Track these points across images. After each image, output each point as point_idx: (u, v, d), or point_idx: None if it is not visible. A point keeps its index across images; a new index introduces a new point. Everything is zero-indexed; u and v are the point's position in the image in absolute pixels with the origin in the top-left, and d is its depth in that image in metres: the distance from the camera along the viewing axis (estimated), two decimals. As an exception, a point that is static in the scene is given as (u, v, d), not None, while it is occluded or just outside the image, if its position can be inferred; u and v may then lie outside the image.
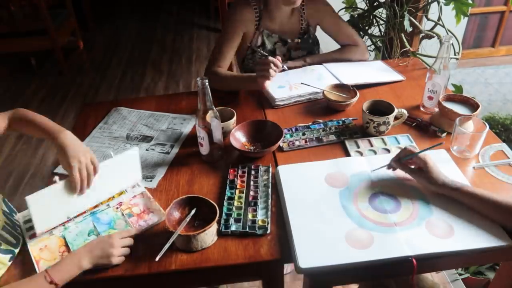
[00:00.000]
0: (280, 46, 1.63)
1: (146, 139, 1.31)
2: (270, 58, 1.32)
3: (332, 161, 1.14)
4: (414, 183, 1.05)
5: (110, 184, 1.06)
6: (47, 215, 0.97)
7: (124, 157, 1.09)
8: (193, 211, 0.97)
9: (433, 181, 0.98)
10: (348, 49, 1.66)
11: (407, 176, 1.06)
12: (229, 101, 1.40)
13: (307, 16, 1.62)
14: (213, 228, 0.94)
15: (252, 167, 1.14)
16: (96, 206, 1.05)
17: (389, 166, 1.07)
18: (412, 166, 1.04)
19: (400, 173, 1.08)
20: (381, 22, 1.86)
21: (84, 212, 1.03)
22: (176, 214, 0.98)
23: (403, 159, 1.03)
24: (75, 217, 1.01)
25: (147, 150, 1.26)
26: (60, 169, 1.18)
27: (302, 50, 1.67)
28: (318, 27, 1.68)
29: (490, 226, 0.92)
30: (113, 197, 1.07)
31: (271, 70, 1.31)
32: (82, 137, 1.33)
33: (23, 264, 0.92)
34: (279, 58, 1.34)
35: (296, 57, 1.66)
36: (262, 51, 1.39)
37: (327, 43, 1.74)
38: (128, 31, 4.54)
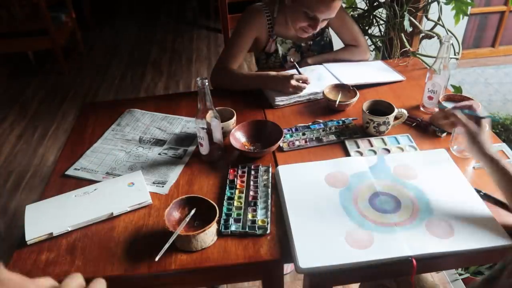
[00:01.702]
0: (293, 51, 1.65)
1: (158, 142, 1.29)
2: (305, 81, 1.43)
3: (332, 161, 1.14)
4: (414, 183, 1.05)
5: (110, 201, 1.05)
6: (39, 225, 0.99)
7: (127, 178, 1.12)
8: (192, 211, 0.97)
9: (480, 143, 0.96)
10: (349, 50, 1.66)
11: (409, 172, 1.06)
12: (229, 101, 1.40)
13: None
14: (213, 228, 0.93)
15: (252, 167, 1.14)
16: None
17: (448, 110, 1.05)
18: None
19: (400, 171, 1.08)
20: (381, 22, 1.86)
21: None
22: (176, 214, 0.98)
23: (467, 112, 1.02)
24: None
25: (159, 154, 1.24)
26: (71, 171, 1.19)
27: (313, 52, 1.67)
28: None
29: (490, 226, 0.92)
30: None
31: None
32: (83, 138, 1.34)
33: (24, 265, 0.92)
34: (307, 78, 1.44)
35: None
36: (297, 66, 1.48)
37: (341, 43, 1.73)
38: (128, 31, 4.54)
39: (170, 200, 1.05)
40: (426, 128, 1.26)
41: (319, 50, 1.68)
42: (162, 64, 3.80)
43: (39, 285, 0.60)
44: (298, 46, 1.64)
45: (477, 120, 1.01)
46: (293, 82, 1.40)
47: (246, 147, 1.23)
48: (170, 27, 4.58)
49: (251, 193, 1.06)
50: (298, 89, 1.42)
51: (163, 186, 1.11)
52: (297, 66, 1.48)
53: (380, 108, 1.25)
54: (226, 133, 1.24)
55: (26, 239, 0.96)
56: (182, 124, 1.38)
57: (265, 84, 1.47)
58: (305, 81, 1.43)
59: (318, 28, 1.47)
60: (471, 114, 1.02)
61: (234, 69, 1.54)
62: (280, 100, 1.41)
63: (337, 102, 1.34)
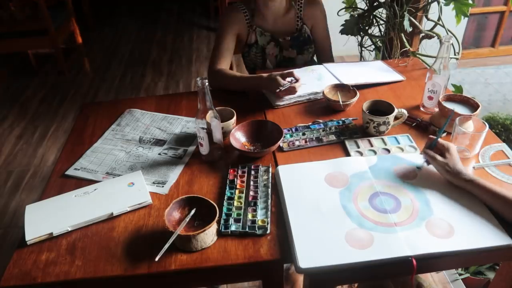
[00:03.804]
0: (272, 45, 1.66)
1: (158, 142, 1.29)
2: (297, 84, 1.37)
3: (332, 161, 1.14)
4: (414, 183, 1.05)
5: (110, 201, 1.05)
6: (39, 225, 0.99)
7: (127, 178, 1.12)
8: (192, 211, 0.97)
9: (448, 169, 1.00)
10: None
11: (409, 172, 1.06)
12: (229, 101, 1.40)
13: (303, 16, 1.63)
14: (212, 228, 0.94)
15: (252, 167, 1.14)
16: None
17: (427, 161, 1.08)
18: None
19: (400, 171, 1.08)
20: (381, 22, 1.86)
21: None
22: (176, 214, 0.98)
23: (432, 145, 1.05)
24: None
25: (159, 154, 1.24)
26: (71, 171, 1.19)
27: (292, 49, 1.68)
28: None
29: (490, 226, 0.92)
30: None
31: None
32: (83, 138, 1.34)
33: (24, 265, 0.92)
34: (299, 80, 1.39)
35: (287, 56, 1.69)
36: (291, 80, 1.40)
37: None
38: (128, 31, 4.54)
39: (170, 200, 1.05)
40: (426, 128, 1.26)
41: (298, 45, 1.68)
42: (162, 64, 3.80)
43: None
44: (276, 41, 1.66)
45: (442, 146, 1.04)
46: (281, 81, 1.36)
47: (246, 147, 1.23)
48: (170, 27, 4.58)
49: (251, 193, 1.06)
50: (288, 93, 1.39)
51: (163, 186, 1.11)
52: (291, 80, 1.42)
53: (380, 108, 1.25)
54: (226, 133, 1.24)
55: (26, 239, 0.96)
56: (182, 124, 1.38)
57: (256, 86, 1.48)
58: (295, 80, 1.38)
59: None
60: (434, 143, 1.05)
61: (227, 70, 1.57)
62: (281, 100, 1.41)
63: (341, 103, 1.34)
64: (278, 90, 1.35)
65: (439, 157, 1.03)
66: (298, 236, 0.92)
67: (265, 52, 1.67)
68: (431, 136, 1.08)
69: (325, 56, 1.74)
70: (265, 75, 1.43)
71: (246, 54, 1.71)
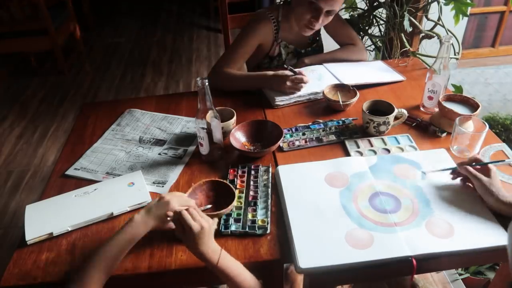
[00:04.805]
0: (291, 56, 1.66)
1: (158, 142, 1.29)
2: (305, 78, 1.40)
3: (332, 161, 1.14)
4: (414, 183, 1.05)
5: (110, 201, 1.05)
6: (39, 225, 0.99)
7: (127, 178, 1.12)
8: (208, 206, 1.00)
9: (492, 191, 0.94)
10: (346, 49, 1.67)
11: (409, 172, 1.06)
12: (229, 101, 1.40)
13: None
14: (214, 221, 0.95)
15: (252, 167, 1.14)
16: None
17: (453, 171, 1.03)
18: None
19: (400, 171, 1.08)
20: (381, 22, 1.86)
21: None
22: (201, 196, 1.03)
23: (472, 165, 0.99)
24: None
25: (159, 154, 1.24)
26: (71, 171, 1.19)
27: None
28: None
29: (490, 226, 0.92)
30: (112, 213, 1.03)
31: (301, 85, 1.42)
32: (83, 138, 1.34)
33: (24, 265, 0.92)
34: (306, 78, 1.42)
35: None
36: (293, 69, 1.44)
37: (330, 44, 1.74)
38: (128, 31, 4.54)
39: (170, 200, 1.05)
40: (426, 128, 1.26)
41: (312, 54, 1.69)
42: (162, 64, 3.80)
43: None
44: (297, 52, 1.66)
45: (485, 168, 0.98)
46: (288, 83, 1.40)
47: (246, 147, 1.23)
48: (170, 27, 4.58)
49: (251, 193, 1.06)
50: (294, 90, 1.42)
51: (163, 186, 1.11)
52: (293, 70, 1.45)
53: (380, 108, 1.25)
54: (226, 133, 1.24)
55: (26, 239, 0.96)
56: (182, 124, 1.38)
57: (262, 85, 1.48)
58: (301, 81, 1.41)
59: (321, 21, 1.45)
60: (481, 165, 0.99)
61: (232, 70, 1.53)
62: (280, 100, 1.41)
63: (341, 103, 1.34)
64: (287, 84, 1.39)
65: (484, 177, 0.97)
66: (298, 236, 0.92)
67: (285, 63, 1.66)
68: (477, 157, 1.01)
69: (351, 42, 1.67)
70: (270, 73, 1.44)
71: (265, 65, 1.68)
